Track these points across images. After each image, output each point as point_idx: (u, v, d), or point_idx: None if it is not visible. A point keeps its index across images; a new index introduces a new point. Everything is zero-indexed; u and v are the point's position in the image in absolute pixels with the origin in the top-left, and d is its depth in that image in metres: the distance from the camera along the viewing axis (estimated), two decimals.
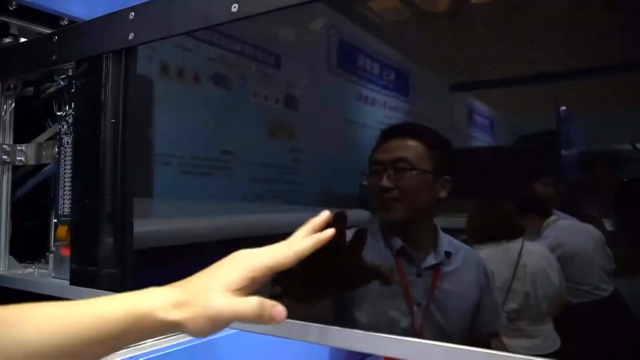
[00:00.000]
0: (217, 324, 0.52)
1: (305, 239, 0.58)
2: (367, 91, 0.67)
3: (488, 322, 0.58)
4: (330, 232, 0.58)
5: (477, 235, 0.58)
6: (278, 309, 0.53)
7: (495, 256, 0.57)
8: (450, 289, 0.62)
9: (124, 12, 0.85)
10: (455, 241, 0.61)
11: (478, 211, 0.59)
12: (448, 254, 0.62)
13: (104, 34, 0.89)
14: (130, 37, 0.84)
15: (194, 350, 1.15)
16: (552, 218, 0.54)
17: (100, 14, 1.06)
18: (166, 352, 1.07)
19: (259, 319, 0.52)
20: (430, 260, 0.63)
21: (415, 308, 0.61)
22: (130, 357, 1.01)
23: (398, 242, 0.64)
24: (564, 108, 0.52)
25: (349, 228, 0.64)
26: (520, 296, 0.55)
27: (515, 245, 0.56)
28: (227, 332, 0.57)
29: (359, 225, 0.64)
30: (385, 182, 0.63)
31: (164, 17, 0.81)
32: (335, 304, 0.65)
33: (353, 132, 0.71)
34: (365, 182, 0.65)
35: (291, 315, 0.55)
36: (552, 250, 0.54)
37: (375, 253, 0.64)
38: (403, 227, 0.64)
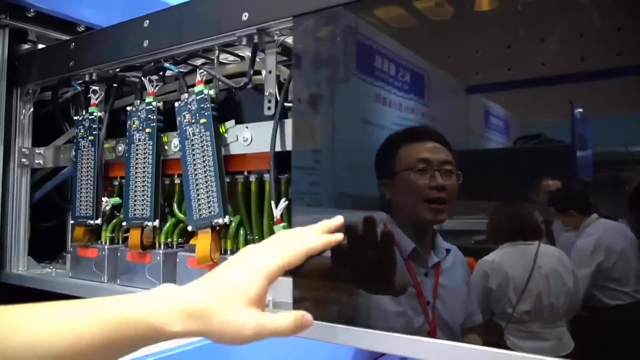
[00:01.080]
0: (239, 338, 0.50)
1: (319, 237, 0.58)
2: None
3: (469, 316, 0.60)
4: (341, 236, 0.60)
5: (495, 235, 0.59)
6: (308, 317, 0.52)
7: (512, 257, 0.58)
8: (450, 285, 0.64)
9: (139, 21, 0.88)
10: (443, 240, 0.63)
11: (498, 212, 0.59)
12: (448, 251, 0.63)
13: (119, 42, 0.91)
14: (145, 44, 0.87)
15: (204, 350, 1.18)
16: (593, 216, 0.54)
17: (114, 21, 1.09)
18: (176, 352, 1.09)
19: (294, 333, 0.51)
20: (434, 258, 0.64)
21: (427, 307, 0.62)
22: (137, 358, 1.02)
23: (410, 244, 0.65)
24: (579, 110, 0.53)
25: None
26: (534, 297, 0.56)
27: (531, 246, 0.56)
28: None
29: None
30: (440, 181, 0.62)
31: (177, 25, 0.84)
32: (353, 305, 0.67)
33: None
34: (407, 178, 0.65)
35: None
36: (597, 248, 0.54)
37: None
38: (424, 228, 0.65)
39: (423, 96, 0.65)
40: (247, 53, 0.86)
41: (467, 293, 0.62)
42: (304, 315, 0.52)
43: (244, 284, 0.51)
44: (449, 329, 0.61)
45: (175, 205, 0.90)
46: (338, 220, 0.62)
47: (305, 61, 0.71)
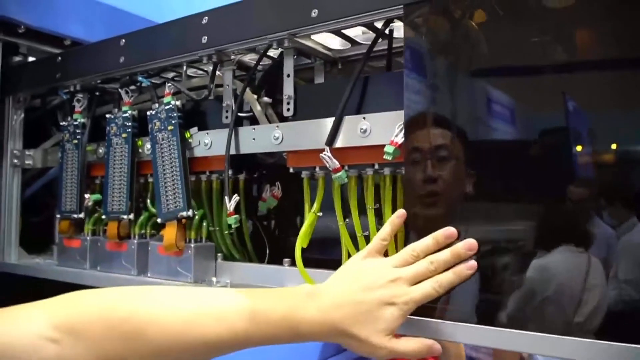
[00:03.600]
0: (374, 356, 0.58)
1: (453, 271, 0.58)
2: None
3: None
4: (474, 264, 0.58)
5: (546, 241, 0.56)
6: (437, 346, 0.59)
7: (564, 264, 0.55)
8: (464, 294, 0.60)
9: (116, 40, 1.01)
10: None
11: (550, 216, 0.57)
12: None
13: (100, 57, 1.04)
14: (122, 60, 1.00)
15: None
16: None
17: (98, 36, 1.22)
18: None
19: (424, 356, 0.59)
20: None
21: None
22: None
23: None
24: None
25: None
26: (588, 308, 0.54)
27: (582, 254, 0.54)
28: None
29: None
30: (430, 172, 0.60)
31: (149, 45, 0.97)
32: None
33: None
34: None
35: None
36: None
37: None
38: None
39: None
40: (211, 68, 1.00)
41: None
42: (435, 343, 0.59)
43: (388, 319, 0.57)
44: None
45: (148, 201, 1.03)
46: (457, 237, 0.60)
47: None
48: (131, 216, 1.01)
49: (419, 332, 0.61)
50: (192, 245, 0.92)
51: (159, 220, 0.95)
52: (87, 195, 1.09)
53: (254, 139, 0.85)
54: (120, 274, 1.02)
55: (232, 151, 0.87)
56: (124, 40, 1.00)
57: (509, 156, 0.60)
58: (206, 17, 0.88)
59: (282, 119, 0.87)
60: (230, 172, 0.88)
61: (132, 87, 1.04)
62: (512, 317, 0.57)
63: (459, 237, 0.60)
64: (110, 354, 0.55)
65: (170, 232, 0.92)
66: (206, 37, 0.88)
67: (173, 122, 0.94)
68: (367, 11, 0.71)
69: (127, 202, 1.00)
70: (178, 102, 0.95)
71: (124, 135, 1.02)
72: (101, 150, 1.09)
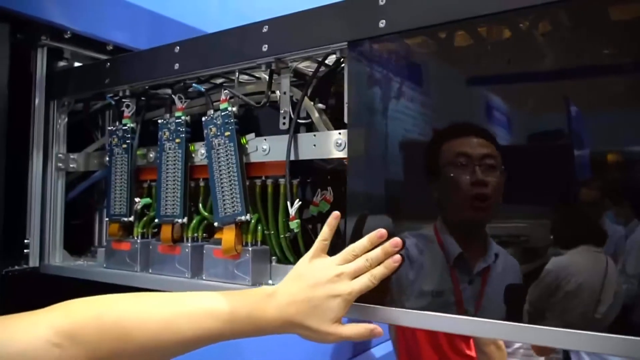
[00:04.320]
0: (323, 342, 0.70)
1: (384, 265, 0.70)
2: None
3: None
4: (399, 258, 0.70)
5: (565, 240, 0.60)
6: (378, 329, 0.71)
7: (585, 262, 0.58)
8: (497, 295, 0.63)
9: (170, 47, 1.03)
10: (494, 243, 0.63)
11: (569, 215, 0.60)
12: (496, 256, 0.63)
13: (152, 64, 1.06)
14: (176, 67, 1.02)
15: None
16: None
17: (140, 41, 1.24)
18: None
19: (367, 339, 0.71)
20: (481, 264, 0.64)
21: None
22: None
23: (457, 248, 0.65)
24: None
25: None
26: (607, 303, 0.58)
27: (601, 254, 0.58)
28: None
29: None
30: (480, 176, 0.63)
31: (204, 52, 0.99)
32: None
33: None
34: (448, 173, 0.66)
35: None
36: None
37: (433, 262, 0.68)
38: (472, 230, 0.66)
39: None
40: (263, 75, 1.02)
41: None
42: (376, 327, 0.70)
43: (333, 310, 0.69)
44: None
45: (200, 205, 1.05)
46: (382, 232, 0.72)
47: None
48: (185, 220, 1.03)
49: (367, 317, 0.73)
50: (250, 248, 0.94)
51: (215, 224, 0.97)
52: (137, 199, 1.11)
53: (314, 145, 0.87)
54: (174, 277, 1.04)
55: (292, 157, 0.89)
56: (178, 48, 1.02)
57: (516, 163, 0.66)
58: (267, 26, 0.90)
59: (337, 125, 0.89)
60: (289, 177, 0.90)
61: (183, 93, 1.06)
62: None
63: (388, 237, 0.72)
64: (105, 355, 0.64)
65: (228, 236, 0.94)
66: (266, 46, 0.90)
67: (230, 128, 0.96)
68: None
69: (181, 206, 1.02)
70: (234, 108, 0.97)
71: (177, 140, 1.04)
72: (152, 155, 1.11)
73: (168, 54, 1.03)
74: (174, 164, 1.04)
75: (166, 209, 1.05)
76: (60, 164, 1.27)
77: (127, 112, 1.14)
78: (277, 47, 0.89)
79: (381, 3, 0.77)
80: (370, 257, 0.71)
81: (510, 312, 0.64)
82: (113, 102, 1.17)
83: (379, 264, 0.71)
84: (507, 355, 2.06)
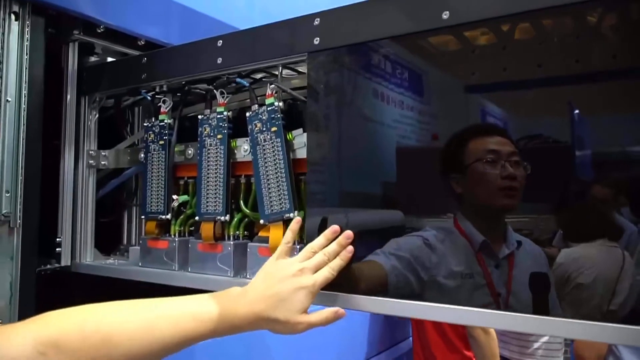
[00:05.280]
0: (294, 333, 0.75)
1: (339, 257, 0.79)
2: None
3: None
4: (352, 248, 0.79)
5: (583, 233, 0.64)
6: (341, 311, 0.77)
7: (602, 255, 0.62)
8: (524, 278, 0.67)
9: (213, 40, 1.01)
10: (514, 232, 0.69)
11: (588, 209, 0.64)
12: (519, 243, 0.68)
13: (194, 58, 1.04)
14: (219, 61, 1.00)
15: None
16: None
17: (172, 36, 1.22)
18: None
19: (332, 322, 0.76)
20: (505, 250, 0.69)
21: (498, 299, 0.68)
22: None
23: (480, 237, 0.71)
24: None
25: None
26: (623, 295, 0.61)
27: (617, 249, 0.61)
28: None
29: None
30: (511, 170, 0.68)
31: (250, 46, 0.97)
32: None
33: None
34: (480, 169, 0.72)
35: None
36: None
37: (457, 249, 0.73)
38: (496, 219, 0.71)
39: None
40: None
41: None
42: (338, 310, 0.77)
43: (300, 302, 0.75)
44: None
45: (241, 202, 1.03)
46: (336, 227, 0.81)
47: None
48: (227, 217, 1.01)
49: (333, 304, 0.80)
50: (297, 246, 0.92)
51: (261, 221, 0.95)
52: (174, 197, 1.09)
53: None
54: (215, 275, 1.01)
55: None
56: (221, 41, 1.00)
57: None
58: (318, 19, 0.88)
59: None
60: None
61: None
62: None
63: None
64: None
65: (277, 234, 0.92)
66: (318, 39, 0.88)
67: (277, 123, 0.94)
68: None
69: (224, 203, 1.00)
70: (280, 104, 0.95)
71: (219, 136, 1.02)
72: (190, 151, 1.09)
73: (211, 48, 1.01)
74: (215, 161, 1.02)
75: (207, 206, 1.02)
76: (92, 161, 1.24)
77: (164, 108, 1.12)
78: (329, 41, 0.87)
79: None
80: (328, 251, 0.79)
81: (537, 297, 0.67)
82: (149, 98, 1.15)
83: (336, 257, 0.79)
84: (497, 341, 2.09)
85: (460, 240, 0.73)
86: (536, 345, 2.29)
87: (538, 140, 0.70)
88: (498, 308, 0.70)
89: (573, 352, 1.71)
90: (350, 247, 0.79)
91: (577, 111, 0.67)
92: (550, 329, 0.67)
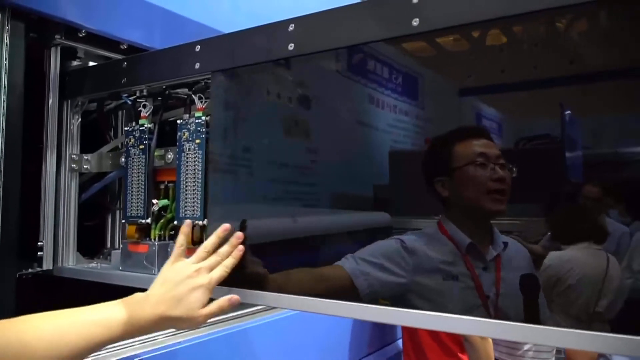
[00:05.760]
0: (196, 327, 0.86)
1: (232, 256, 0.86)
2: None
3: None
4: (242, 247, 0.87)
5: (566, 236, 0.65)
6: (235, 297, 0.85)
7: (586, 258, 0.62)
8: (512, 279, 0.67)
9: (191, 45, 1.01)
10: (500, 233, 0.69)
11: (575, 212, 0.65)
12: (505, 244, 0.69)
13: (173, 63, 1.04)
14: (197, 66, 1.00)
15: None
16: None
17: (154, 40, 1.22)
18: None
19: (229, 309, 0.85)
20: (492, 252, 0.69)
21: (487, 301, 0.68)
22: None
23: (466, 239, 0.71)
24: None
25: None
26: (609, 298, 0.61)
27: (601, 251, 0.61)
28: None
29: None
30: (500, 173, 0.68)
31: (227, 51, 0.97)
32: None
33: None
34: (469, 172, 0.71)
35: None
36: None
37: (441, 252, 0.72)
38: (482, 222, 0.71)
39: None
40: None
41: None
42: (232, 297, 0.85)
43: (201, 299, 0.82)
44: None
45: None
46: (226, 226, 0.88)
47: None
48: (205, 221, 1.01)
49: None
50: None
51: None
52: (154, 201, 1.09)
53: None
54: None
55: None
56: (199, 47, 1.00)
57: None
58: (292, 25, 0.88)
59: None
60: None
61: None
62: None
63: None
64: None
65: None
66: (293, 45, 0.88)
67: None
68: None
69: (201, 208, 1.01)
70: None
71: (197, 140, 1.02)
72: (169, 156, 1.10)
73: (189, 53, 1.01)
74: (194, 165, 1.02)
75: (186, 210, 1.03)
76: (74, 165, 1.24)
77: (144, 112, 1.12)
78: (304, 47, 0.87)
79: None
80: (221, 252, 0.87)
81: (527, 298, 0.66)
82: (130, 102, 1.15)
83: (228, 256, 0.86)
84: (492, 345, 2.08)
85: (445, 242, 0.73)
86: (526, 347, 2.29)
87: (524, 142, 0.70)
88: (487, 310, 0.69)
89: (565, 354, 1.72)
90: (241, 247, 0.87)
91: (567, 112, 0.67)
92: (542, 338, 0.65)
